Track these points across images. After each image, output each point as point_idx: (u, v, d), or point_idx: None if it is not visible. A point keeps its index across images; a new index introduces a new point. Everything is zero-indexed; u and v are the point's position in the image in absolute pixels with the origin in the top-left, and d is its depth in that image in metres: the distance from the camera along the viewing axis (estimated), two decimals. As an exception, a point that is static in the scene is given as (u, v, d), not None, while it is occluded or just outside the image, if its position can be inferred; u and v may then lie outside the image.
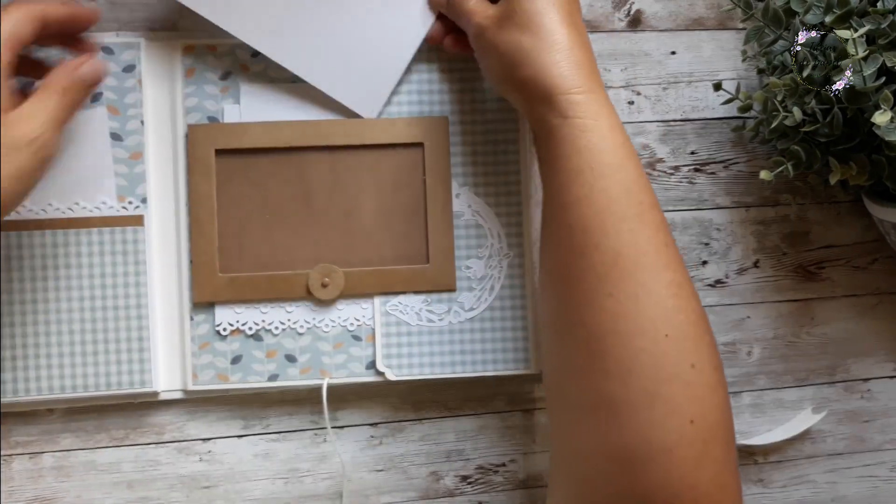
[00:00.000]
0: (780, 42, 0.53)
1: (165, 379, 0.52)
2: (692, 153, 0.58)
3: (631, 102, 0.58)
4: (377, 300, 0.53)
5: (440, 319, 0.53)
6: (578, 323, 0.42)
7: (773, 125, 0.51)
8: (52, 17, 0.43)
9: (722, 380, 0.41)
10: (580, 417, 0.42)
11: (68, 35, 0.47)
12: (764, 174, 0.52)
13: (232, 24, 0.50)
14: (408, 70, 0.53)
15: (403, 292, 0.53)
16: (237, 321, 0.52)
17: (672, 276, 0.41)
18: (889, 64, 0.47)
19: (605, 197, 0.42)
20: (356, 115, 0.52)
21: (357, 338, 0.53)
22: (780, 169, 0.52)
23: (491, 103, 0.54)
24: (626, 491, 0.39)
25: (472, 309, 0.53)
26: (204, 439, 0.54)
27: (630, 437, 0.39)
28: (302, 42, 0.51)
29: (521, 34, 0.45)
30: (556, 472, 0.44)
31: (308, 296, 0.52)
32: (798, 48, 0.50)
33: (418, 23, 0.52)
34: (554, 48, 0.44)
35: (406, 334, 0.53)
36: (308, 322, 0.52)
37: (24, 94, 0.43)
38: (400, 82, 0.53)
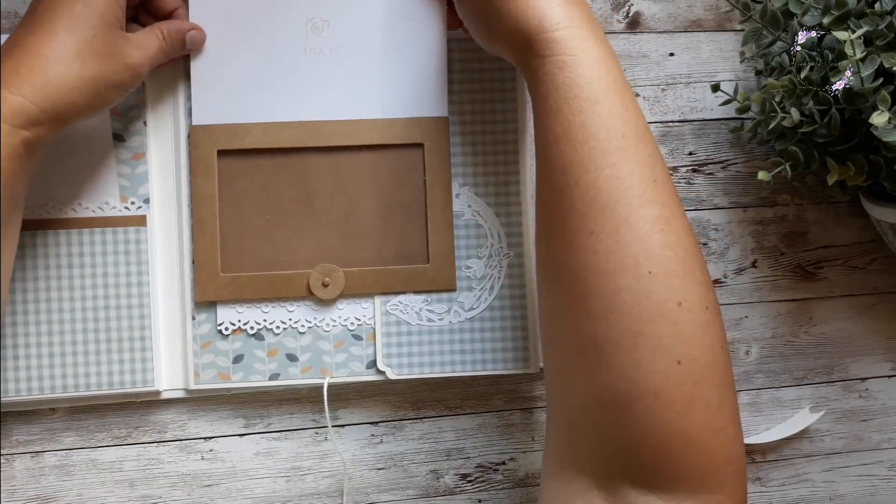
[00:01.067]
0: (778, 43, 0.53)
1: (167, 378, 0.52)
2: (690, 154, 0.59)
3: (630, 103, 0.58)
4: (377, 300, 0.53)
5: (440, 319, 0.53)
6: (562, 265, 0.41)
7: (771, 126, 0.51)
8: None
9: (714, 319, 0.39)
10: (567, 362, 0.41)
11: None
12: (762, 175, 0.52)
13: (270, 114, 0.52)
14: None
15: (404, 292, 0.53)
16: (238, 320, 0.52)
17: (659, 211, 0.40)
18: (887, 65, 0.47)
19: (583, 133, 0.41)
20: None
21: (357, 337, 0.53)
22: (779, 169, 0.52)
23: (491, 104, 0.54)
24: (614, 436, 0.38)
25: (472, 308, 0.54)
26: (205, 438, 0.54)
27: (615, 379, 0.38)
28: (349, 93, 0.52)
29: None
30: (550, 421, 0.43)
31: (309, 295, 0.52)
32: (797, 49, 0.50)
33: (436, 16, 0.52)
34: None
35: (406, 334, 0.53)
36: (309, 321, 0.53)
37: None
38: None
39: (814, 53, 0.50)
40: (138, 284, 0.51)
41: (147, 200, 0.52)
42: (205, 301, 0.52)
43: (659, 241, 0.39)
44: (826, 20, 0.49)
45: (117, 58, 0.44)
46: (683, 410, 0.38)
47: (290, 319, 0.53)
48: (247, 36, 0.52)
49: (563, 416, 0.42)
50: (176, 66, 0.52)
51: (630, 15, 0.58)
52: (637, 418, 0.38)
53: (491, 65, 0.54)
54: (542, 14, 0.43)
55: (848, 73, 0.47)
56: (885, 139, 0.46)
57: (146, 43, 0.47)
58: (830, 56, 0.49)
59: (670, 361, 0.38)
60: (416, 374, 0.53)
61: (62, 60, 0.42)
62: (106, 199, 0.52)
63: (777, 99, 0.51)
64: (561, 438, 0.42)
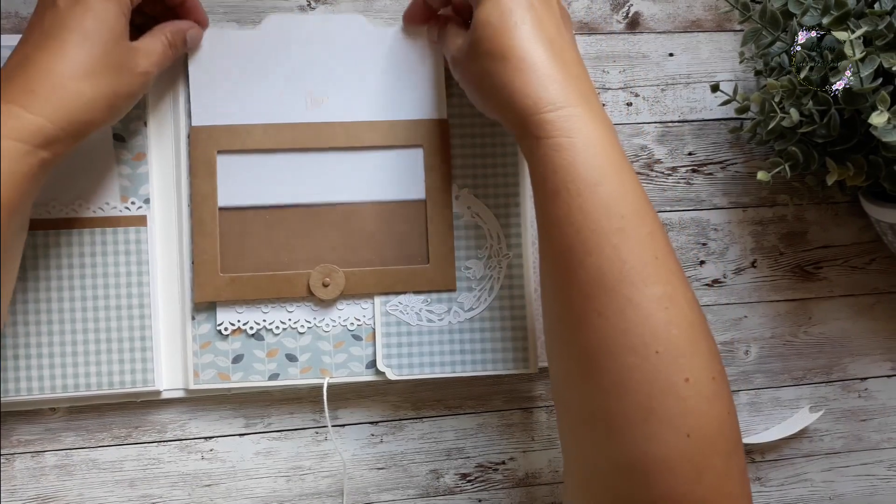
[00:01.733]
0: (778, 44, 0.53)
1: (167, 378, 0.52)
2: (690, 154, 0.59)
3: (629, 104, 0.58)
4: (377, 300, 0.53)
5: (440, 319, 0.53)
6: (572, 341, 0.42)
7: (770, 126, 0.51)
8: None
9: (720, 390, 0.40)
10: (582, 429, 0.42)
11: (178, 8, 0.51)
12: (761, 175, 0.52)
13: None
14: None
15: (403, 292, 0.53)
16: (238, 321, 0.52)
17: (662, 289, 0.40)
18: (886, 65, 0.47)
19: (581, 216, 0.41)
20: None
21: (357, 337, 0.53)
22: (778, 170, 0.52)
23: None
24: (630, 499, 0.40)
25: (471, 309, 0.54)
26: (206, 438, 0.54)
27: (628, 451, 0.39)
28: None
29: (489, 61, 0.44)
30: (567, 474, 0.44)
31: (309, 296, 0.53)
32: (797, 49, 0.50)
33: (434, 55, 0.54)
34: (522, 69, 0.43)
35: (406, 334, 0.53)
36: (309, 322, 0.53)
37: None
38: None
39: (813, 54, 0.50)
40: (138, 284, 0.51)
41: (147, 200, 0.52)
42: (204, 301, 0.52)
43: (664, 319, 0.40)
44: (825, 20, 0.49)
45: (128, 69, 0.45)
46: (695, 480, 0.39)
47: (289, 320, 0.53)
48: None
49: (579, 473, 0.43)
50: (178, 67, 0.52)
51: (630, 15, 0.58)
52: (651, 487, 0.39)
53: (491, 65, 0.54)
54: (537, 94, 0.42)
55: (847, 74, 0.47)
56: (884, 139, 0.46)
57: (152, 49, 0.47)
58: (830, 56, 0.49)
59: (680, 436, 0.39)
60: (415, 375, 0.53)
61: (76, 77, 0.42)
62: (106, 199, 0.52)
63: (776, 99, 0.51)
64: (578, 493, 0.43)
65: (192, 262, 0.52)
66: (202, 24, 0.51)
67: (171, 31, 0.48)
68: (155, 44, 0.47)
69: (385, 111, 0.53)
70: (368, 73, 0.53)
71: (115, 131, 0.52)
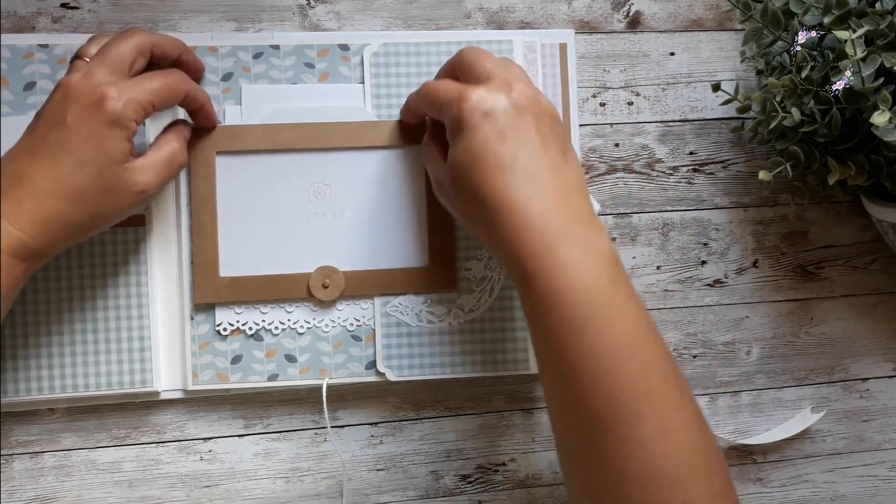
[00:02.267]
0: (779, 43, 0.53)
1: (166, 378, 0.52)
2: (691, 153, 0.58)
3: (630, 103, 0.58)
4: (377, 301, 0.53)
5: (440, 320, 0.53)
6: (575, 466, 0.43)
7: (771, 126, 0.51)
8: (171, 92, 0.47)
9: (720, 497, 0.41)
10: None
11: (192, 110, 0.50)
12: (762, 174, 0.52)
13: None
14: (407, 73, 0.53)
15: (403, 293, 0.53)
16: (237, 321, 0.52)
17: (656, 422, 0.40)
18: (887, 64, 0.47)
19: (572, 359, 0.41)
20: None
21: (357, 338, 0.53)
22: (779, 169, 0.52)
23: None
24: None
25: (471, 310, 0.53)
26: (205, 438, 0.54)
27: None
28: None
29: (469, 203, 0.44)
30: None
31: (308, 296, 0.52)
32: (798, 48, 0.50)
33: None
34: (500, 216, 0.42)
35: (406, 335, 0.53)
36: (308, 322, 0.53)
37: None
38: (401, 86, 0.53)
39: (814, 53, 0.50)
40: (137, 285, 0.51)
41: (146, 201, 0.52)
42: (203, 302, 0.52)
43: (659, 451, 0.40)
44: (827, 20, 0.49)
45: (121, 191, 0.45)
46: None
47: (288, 320, 0.52)
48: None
49: None
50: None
51: (630, 14, 0.58)
52: None
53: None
54: (516, 244, 0.42)
55: (848, 73, 0.47)
56: (885, 139, 0.46)
57: (156, 160, 0.47)
58: (831, 56, 0.49)
59: None
60: (415, 376, 0.53)
61: (65, 199, 0.43)
62: (105, 200, 0.51)
63: (778, 98, 0.51)
64: None
65: (192, 263, 0.52)
66: (214, 126, 0.51)
67: (175, 140, 0.48)
68: (162, 152, 0.47)
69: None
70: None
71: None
